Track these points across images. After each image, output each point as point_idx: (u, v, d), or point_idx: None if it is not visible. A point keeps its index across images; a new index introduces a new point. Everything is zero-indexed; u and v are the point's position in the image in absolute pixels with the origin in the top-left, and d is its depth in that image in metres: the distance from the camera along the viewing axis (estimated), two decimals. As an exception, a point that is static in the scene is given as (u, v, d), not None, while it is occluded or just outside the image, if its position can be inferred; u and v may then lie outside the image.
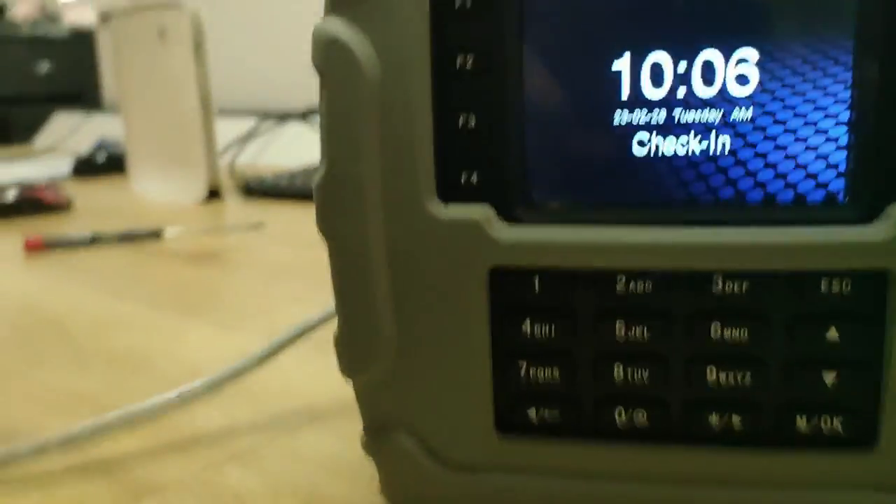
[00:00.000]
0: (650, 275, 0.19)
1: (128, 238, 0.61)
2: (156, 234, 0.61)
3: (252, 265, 0.53)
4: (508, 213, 0.19)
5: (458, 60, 0.19)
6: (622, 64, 0.18)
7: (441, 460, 0.21)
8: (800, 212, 0.18)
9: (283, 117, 1.21)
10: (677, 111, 0.18)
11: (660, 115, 0.19)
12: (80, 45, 1.88)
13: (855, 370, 0.18)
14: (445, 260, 0.19)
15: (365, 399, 0.21)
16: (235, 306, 0.44)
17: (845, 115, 0.18)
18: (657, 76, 0.18)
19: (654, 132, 0.19)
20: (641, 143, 0.19)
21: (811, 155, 0.18)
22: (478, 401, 0.20)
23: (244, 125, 1.22)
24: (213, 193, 0.81)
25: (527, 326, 0.20)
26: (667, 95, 0.18)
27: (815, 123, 0.18)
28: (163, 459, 0.27)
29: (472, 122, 0.19)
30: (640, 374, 0.19)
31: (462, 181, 0.19)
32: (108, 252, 0.59)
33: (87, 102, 1.74)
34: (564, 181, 0.19)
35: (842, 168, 0.18)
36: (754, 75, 0.18)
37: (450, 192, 0.19)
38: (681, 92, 0.18)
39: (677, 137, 0.19)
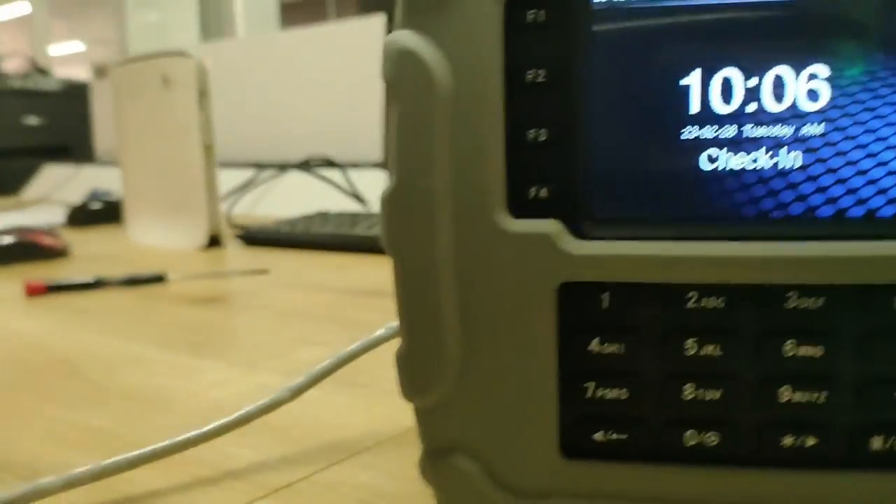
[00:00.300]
0: (721, 290, 0.19)
1: (131, 282, 0.60)
2: (159, 279, 0.60)
3: (260, 308, 0.52)
4: (578, 229, 0.19)
5: (530, 75, 0.19)
6: (692, 79, 0.19)
7: (504, 486, 0.20)
8: (871, 227, 0.18)
9: (282, 167, 1.22)
10: (747, 126, 0.19)
11: (729, 131, 0.19)
12: (71, 98, 1.89)
13: None
14: (514, 275, 0.19)
15: (425, 421, 0.21)
16: (248, 347, 0.43)
17: (917, 129, 0.18)
18: (727, 91, 0.19)
19: (724, 147, 0.19)
20: (711, 159, 0.19)
21: (882, 170, 0.18)
22: (543, 423, 0.20)
23: (242, 176, 1.22)
24: (214, 240, 0.80)
25: (595, 345, 0.19)
26: (737, 111, 0.19)
27: (885, 139, 0.18)
28: (195, 495, 0.26)
29: (543, 137, 0.19)
30: (711, 394, 0.19)
31: (531, 196, 0.19)
32: (112, 295, 0.58)
33: (77, 155, 1.74)
34: (634, 196, 0.19)
35: (916, 182, 0.18)
36: (825, 91, 0.18)
37: (519, 206, 0.19)
38: (751, 107, 0.19)
39: (747, 153, 0.19)
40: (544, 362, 0.19)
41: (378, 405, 0.33)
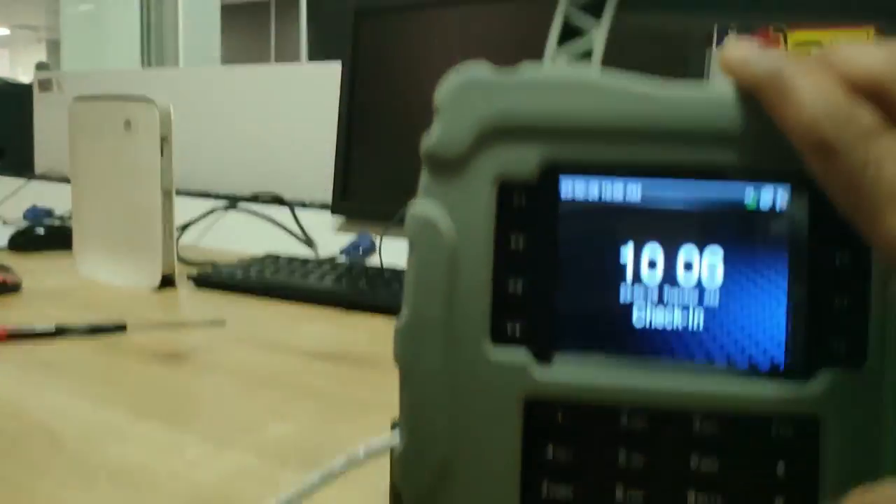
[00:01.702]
0: (645, 413, 0.25)
1: (93, 331, 0.62)
2: (120, 328, 0.63)
3: (223, 368, 0.55)
4: (542, 358, 0.25)
5: (513, 241, 0.25)
6: (628, 257, 0.25)
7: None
8: (754, 375, 0.25)
9: (232, 201, 1.24)
10: (665, 294, 0.25)
11: (653, 296, 0.25)
12: (8, 98, 1.85)
13: (799, 498, 0.24)
14: (492, 391, 0.25)
15: (415, 508, 0.26)
16: (219, 418, 0.46)
17: (784, 305, 0.25)
18: (652, 265, 0.25)
19: (649, 308, 0.25)
20: (640, 315, 0.25)
21: (762, 332, 0.25)
22: (507, 512, 0.25)
23: (190, 205, 1.24)
24: (167, 281, 0.83)
25: (550, 451, 0.25)
26: (659, 280, 0.25)
27: (764, 308, 0.25)
28: None
29: (519, 287, 0.25)
30: (637, 495, 0.25)
31: (509, 330, 0.25)
32: (75, 346, 0.60)
33: (12, 162, 1.71)
34: (585, 338, 0.25)
35: (785, 344, 0.25)
36: (720, 270, 0.25)
37: (499, 337, 0.25)
38: (668, 279, 0.25)
39: (665, 313, 0.25)
40: (510, 463, 0.25)
41: None
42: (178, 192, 1.29)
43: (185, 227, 1.14)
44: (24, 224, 1.17)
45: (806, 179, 0.24)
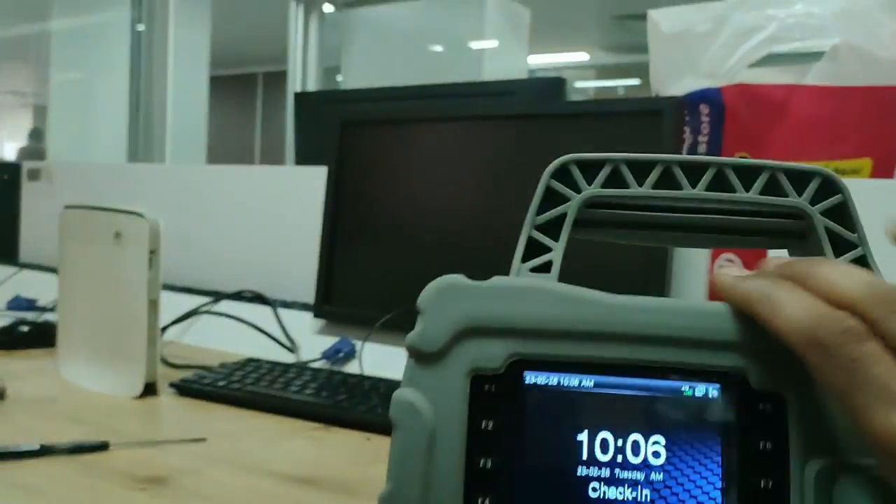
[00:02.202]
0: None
1: (76, 450, 0.64)
2: (103, 446, 0.65)
3: (201, 496, 0.56)
4: None
5: (483, 424, 0.28)
6: (583, 437, 0.28)
7: None
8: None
9: (216, 297, 1.27)
10: (617, 471, 0.28)
11: (606, 472, 0.28)
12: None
13: None
14: None
15: None
16: None
17: (719, 484, 0.28)
18: (604, 447, 0.28)
19: (602, 483, 0.28)
20: (594, 489, 0.28)
21: (699, 506, 0.28)
22: None
23: (175, 300, 1.26)
24: (149, 388, 0.85)
25: None
26: (610, 460, 0.28)
27: (700, 488, 0.28)
28: None
29: (489, 465, 0.28)
30: None
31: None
32: (57, 466, 0.61)
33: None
34: (546, 511, 0.28)
35: (719, 517, 0.28)
36: (663, 453, 0.28)
37: None
38: (619, 458, 0.28)
39: (617, 488, 0.28)
40: None
41: None
42: (163, 288, 1.33)
43: (167, 327, 1.16)
44: (7, 316, 1.18)
45: (734, 376, 0.28)
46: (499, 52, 3.73)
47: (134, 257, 0.86)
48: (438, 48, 3.66)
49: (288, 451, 0.68)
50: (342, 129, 1.13)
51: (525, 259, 0.31)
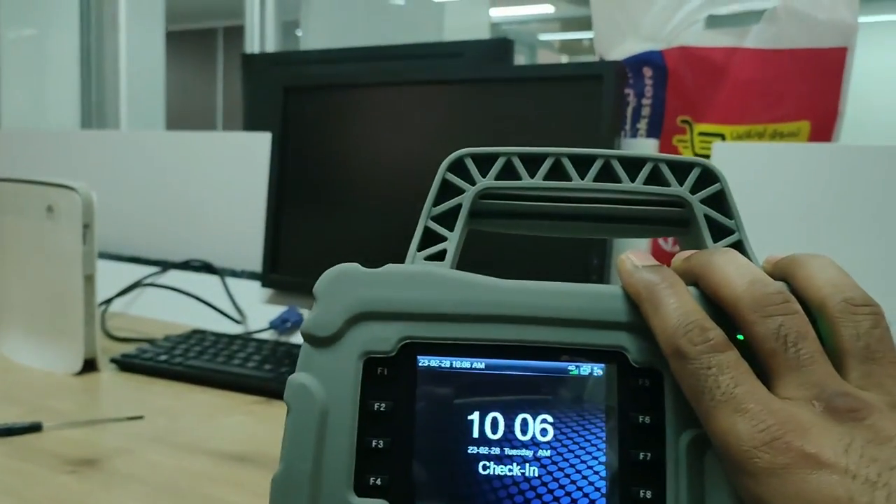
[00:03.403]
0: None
1: (8, 432, 0.63)
2: (36, 428, 0.64)
3: (134, 478, 0.56)
4: None
5: (375, 405, 0.29)
6: (474, 416, 0.29)
7: None
8: (582, 517, 0.29)
9: (162, 267, 1.25)
10: (506, 448, 0.29)
11: (496, 450, 0.29)
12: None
13: None
14: None
15: None
16: None
17: (602, 458, 0.29)
18: (494, 426, 0.29)
19: (492, 461, 0.29)
20: (484, 467, 0.29)
21: (585, 482, 0.29)
22: None
23: (119, 270, 1.24)
24: (89, 364, 0.84)
25: (405, 590, 0.28)
26: (500, 438, 0.29)
27: (586, 462, 0.29)
28: None
29: (381, 445, 0.29)
30: None
31: (370, 482, 0.28)
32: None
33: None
34: (437, 488, 0.29)
35: (603, 491, 0.29)
36: (551, 430, 0.29)
37: (361, 489, 0.28)
38: (508, 437, 0.29)
39: (506, 465, 0.29)
40: None
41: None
42: (109, 257, 1.31)
43: (112, 299, 1.15)
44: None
45: (617, 355, 0.29)
46: (461, 6, 3.68)
47: (67, 232, 0.84)
48: (400, 2, 3.59)
49: (226, 427, 0.68)
50: (285, 94, 1.11)
51: (421, 248, 0.32)
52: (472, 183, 0.33)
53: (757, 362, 0.26)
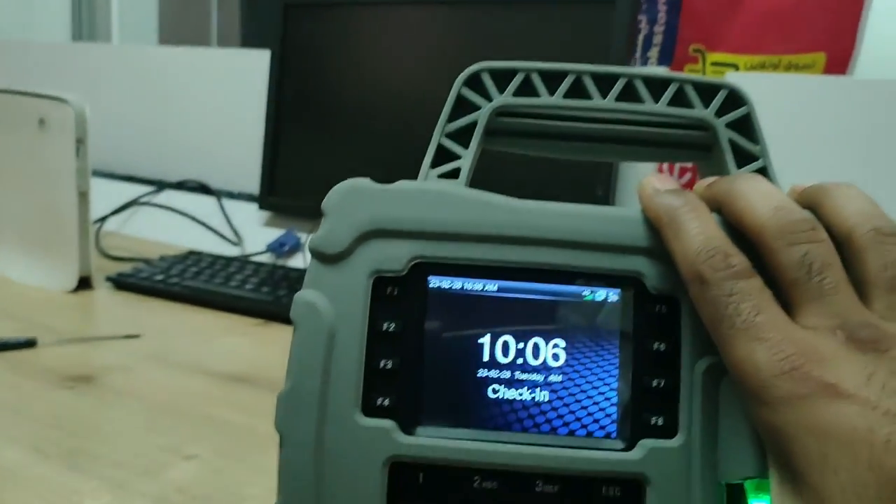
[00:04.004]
0: (495, 476, 0.28)
1: (2, 347, 0.63)
2: (31, 343, 0.64)
3: (131, 394, 0.56)
4: (407, 428, 0.28)
5: (385, 325, 0.28)
6: (485, 340, 0.28)
7: None
8: (589, 442, 0.28)
9: (158, 186, 1.23)
10: (517, 373, 0.28)
11: (506, 374, 0.28)
12: None
13: None
14: (361, 454, 0.28)
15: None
16: (120, 458, 0.47)
17: (615, 385, 0.28)
18: (505, 350, 0.28)
19: (503, 384, 0.28)
20: (494, 391, 0.28)
21: (596, 408, 0.28)
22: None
23: (112, 188, 1.22)
24: (84, 282, 0.83)
25: (411, 509, 0.28)
26: (510, 362, 0.28)
27: (597, 388, 0.28)
28: None
29: (389, 366, 0.28)
30: None
31: (378, 403, 0.28)
32: (-17, 361, 0.60)
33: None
34: (445, 410, 0.28)
35: (614, 417, 0.28)
36: (563, 355, 0.28)
37: (369, 409, 0.28)
38: (519, 361, 0.28)
39: (516, 389, 0.28)
40: None
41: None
42: (102, 175, 1.29)
43: (107, 217, 1.13)
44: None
45: (634, 280, 0.28)
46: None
47: (60, 146, 0.82)
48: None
49: (224, 347, 0.68)
50: (285, 11, 1.07)
51: (434, 165, 0.31)
52: (489, 99, 0.31)
53: (780, 292, 0.25)
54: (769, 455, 0.24)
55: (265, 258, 1.02)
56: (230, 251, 1.05)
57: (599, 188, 0.79)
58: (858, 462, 0.21)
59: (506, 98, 0.31)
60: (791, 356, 0.23)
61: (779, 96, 0.85)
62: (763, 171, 0.30)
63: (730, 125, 0.31)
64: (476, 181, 0.30)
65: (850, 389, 0.22)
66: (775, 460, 0.23)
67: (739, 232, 0.27)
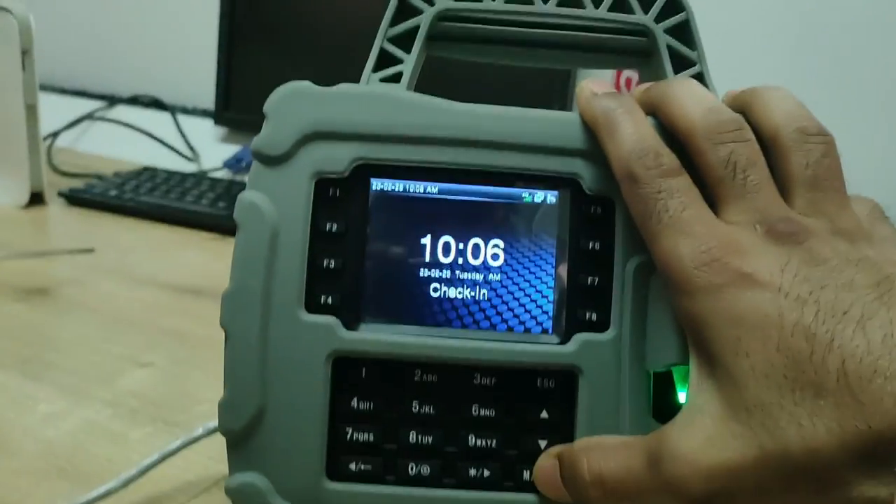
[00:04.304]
0: (435, 369, 0.29)
1: (-46, 259, 0.62)
2: (-17, 256, 0.63)
3: (86, 307, 0.56)
4: (349, 324, 0.29)
5: (328, 226, 0.29)
6: (426, 240, 0.29)
7: (287, 498, 0.30)
8: (526, 337, 0.29)
9: (110, 101, 1.20)
10: (457, 272, 0.29)
11: (447, 273, 0.29)
12: None
13: (559, 438, 0.30)
14: (304, 350, 0.28)
15: (234, 450, 0.29)
16: (76, 366, 0.47)
17: (551, 283, 0.29)
18: (446, 250, 0.29)
19: (443, 283, 0.29)
20: (435, 290, 0.29)
21: (533, 305, 0.29)
22: (316, 454, 0.29)
23: (65, 104, 1.19)
24: (36, 197, 0.82)
25: (354, 401, 0.29)
26: (451, 262, 0.29)
27: (535, 286, 0.29)
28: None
29: (332, 265, 0.29)
30: (428, 439, 0.30)
31: (321, 300, 0.29)
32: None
33: None
34: (387, 307, 0.29)
35: (550, 314, 0.29)
36: (502, 255, 0.29)
37: (312, 306, 0.29)
38: (460, 260, 0.29)
39: (457, 288, 0.29)
40: (320, 412, 0.29)
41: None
42: (52, 90, 1.24)
43: (59, 133, 1.10)
44: None
45: (571, 182, 0.28)
46: None
47: (4, 57, 0.79)
48: None
49: (179, 261, 0.68)
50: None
51: (376, 70, 0.31)
52: (432, 4, 0.32)
53: (707, 189, 0.26)
54: (689, 343, 0.25)
55: (222, 174, 1.01)
56: (186, 167, 1.03)
57: (555, 102, 0.79)
58: (768, 344, 0.22)
59: (448, 2, 0.31)
60: (712, 248, 0.24)
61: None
62: (699, 77, 0.31)
63: (668, 31, 0.31)
64: (430, 94, 0.31)
65: (764, 278, 0.23)
66: (695, 347, 0.25)
67: (673, 135, 0.28)
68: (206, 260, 0.69)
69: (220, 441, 0.30)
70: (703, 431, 0.23)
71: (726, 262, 0.24)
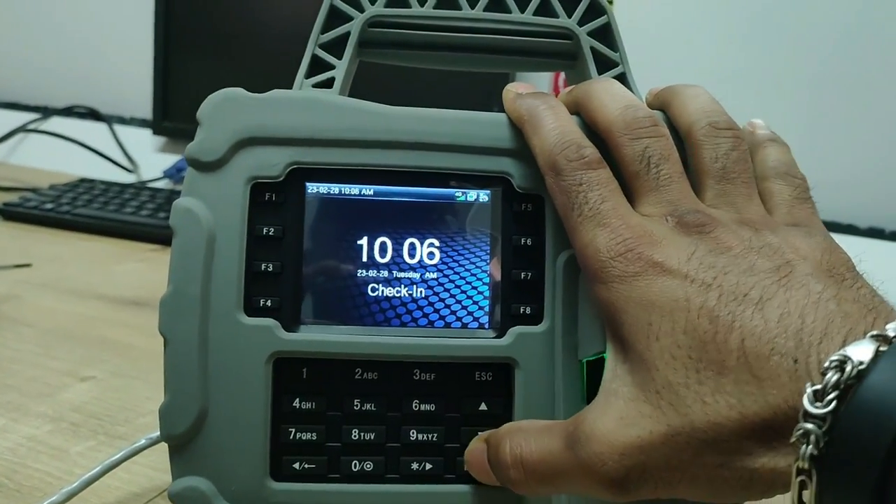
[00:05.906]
0: (375, 367, 0.30)
1: None
2: (-85, 271, 0.61)
3: (25, 321, 0.55)
4: (289, 326, 0.29)
5: (264, 230, 0.29)
6: (363, 241, 0.30)
7: (232, 502, 0.30)
8: (464, 333, 0.30)
9: (44, 112, 1.17)
10: (394, 272, 0.30)
11: (384, 273, 0.30)
12: None
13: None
14: (245, 353, 0.29)
15: (176, 456, 0.29)
16: (17, 382, 0.46)
17: (486, 279, 0.30)
18: (383, 250, 0.30)
19: (381, 283, 0.30)
20: (373, 290, 0.30)
21: (469, 301, 0.30)
22: (259, 455, 0.30)
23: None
24: (-33, 212, 0.79)
25: (296, 402, 0.30)
26: (388, 261, 0.30)
27: (470, 283, 0.30)
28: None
29: (269, 268, 0.29)
30: (369, 436, 0.30)
31: (260, 304, 0.29)
32: None
33: None
34: (325, 309, 0.30)
35: (486, 309, 0.30)
36: (438, 254, 0.30)
37: (252, 310, 0.29)
38: (397, 260, 0.30)
39: (394, 287, 0.30)
40: (261, 413, 0.29)
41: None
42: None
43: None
44: None
45: (502, 181, 0.30)
46: None
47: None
48: None
49: (119, 273, 0.67)
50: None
51: (309, 76, 0.32)
52: (361, 10, 0.32)
53: (624, 183, 0.28)
54: (607, 330, 0.27)
55: (162, 184, 0.99)
56: (125, 178, 1.01)
57: (495, 105, 0.81)
58: (676, 327, 0.23)
59: (378, 9, 0.32)
60: (627, 239, 0.25)
61: None
62: (622, 77, 0.33)
63: (591, 34, 0.33)
64: (373, 100, 0.31)
65: (673, 266, 0.24)
66: (611, 334, 0.26)
67: (595, 134, 0.29)
68: (147, 271, 0.68)
69: (163, 452, 0.30)
70: (616, 412, 0.24)
71: (639, 252, 0.25)
